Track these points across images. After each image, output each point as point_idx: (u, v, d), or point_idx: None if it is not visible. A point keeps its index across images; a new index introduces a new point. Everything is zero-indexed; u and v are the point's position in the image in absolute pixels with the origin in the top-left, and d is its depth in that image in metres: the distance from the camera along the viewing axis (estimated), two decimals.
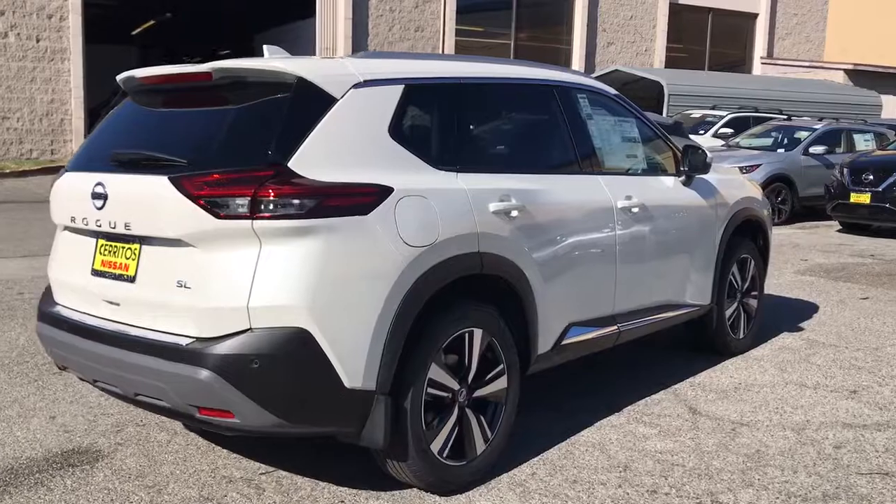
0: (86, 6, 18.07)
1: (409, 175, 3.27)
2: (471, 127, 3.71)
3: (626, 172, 4.59)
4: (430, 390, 3.27)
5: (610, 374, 5.01)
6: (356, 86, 3.23)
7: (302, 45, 20.46)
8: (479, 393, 3.48)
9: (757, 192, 5.70)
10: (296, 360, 2.91)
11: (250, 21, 23.46)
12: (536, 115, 4.21)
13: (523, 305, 3.68)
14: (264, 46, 3.76)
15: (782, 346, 5.71)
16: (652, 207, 4.51)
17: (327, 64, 3.38)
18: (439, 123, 3.56)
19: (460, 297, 3.42)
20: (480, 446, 3.47)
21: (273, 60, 3.33)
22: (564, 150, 4.20)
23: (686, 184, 4.85)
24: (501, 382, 3.58)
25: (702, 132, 16.26)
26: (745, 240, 5.55)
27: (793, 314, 6.66)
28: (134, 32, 26.91)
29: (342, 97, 3.17)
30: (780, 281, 8.06)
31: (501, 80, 3.99)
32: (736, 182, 5.52)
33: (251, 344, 2.87)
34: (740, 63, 27.22)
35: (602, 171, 4.32)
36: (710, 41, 26.68)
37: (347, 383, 2.97)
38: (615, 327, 4.32)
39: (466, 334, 3.40)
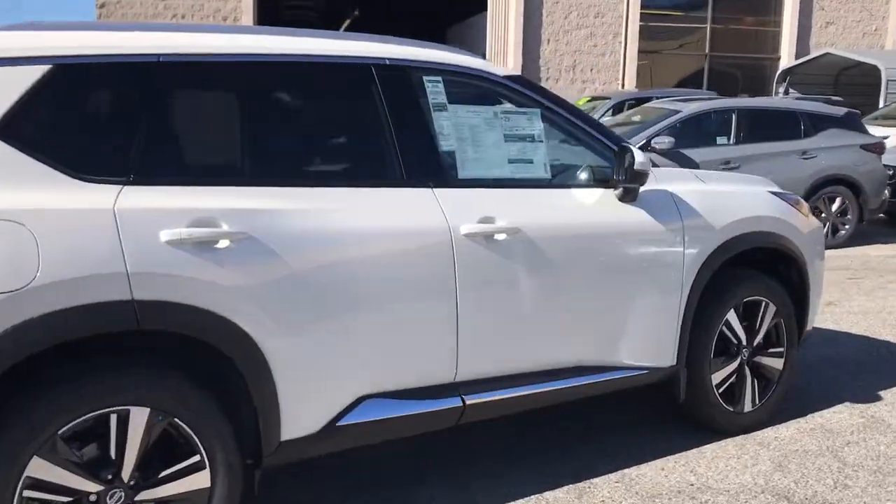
0: (261, 9, 18.53)
1: (9, 192, 2.34)
2: (163, 123, 2.65)
3: (503, 184, 3.29)
4: None
5: (532, 444, 3.73)
6: None
7: (481, 37, 19.84)
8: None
9: (786, 211, 4.08)
10: None
11: (439, 16, 23.13)
12: (318, 106, 3.07)
13: (242, 373, 2.61)
14: None
15: (819, 427, 4.06)
16: (540, 233, 3.21)
17: None
18: (106, 117, 2.59)
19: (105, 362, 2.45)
20: None
21: None
22: (369, 154, 3.05)
23: (625, 199, 3.46)
24: (196, 481, 2.57)
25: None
26: (753, 276, 3.99)
27: (864, 372, 4.86)
28: (341, 29, 27.65)
29: None
30: (845, 315, 6.08)
31: (243, 58, 2.85)
32: (737, 195, 3.96)
33: None
34: None
35: (447, 182, 3.11)
36: None
37: None
38: (456, 400, 3.09)
39: (113, 415, 2.43)
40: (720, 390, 3.88)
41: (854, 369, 4.95)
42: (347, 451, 3.07)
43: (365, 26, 25.50)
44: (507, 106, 3.38)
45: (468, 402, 3.11)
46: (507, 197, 3.23)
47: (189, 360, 2.60)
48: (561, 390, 3.38)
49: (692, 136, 9.52)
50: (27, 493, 2.32)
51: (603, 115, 12.50)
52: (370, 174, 3.02)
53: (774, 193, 4.13)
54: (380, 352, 2.91)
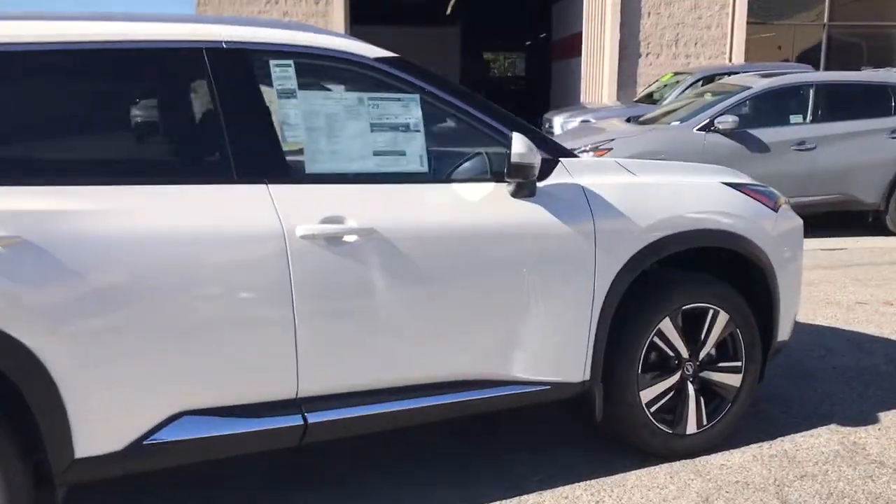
0: None
1: None
2: None
3: (363, 180, 2.95)
4: None
5: (421, 459, 3.41)
6: None
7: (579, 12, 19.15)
8: None
9: (744, 206, 3.54)
10: None
11: None
12: (128, 95, 2.84)
13: (21, 389, 2.44)
14: None
15: (781, 453, 3.53)
16: (401, 233, 2.88)
17: None
18: None
19: None
20: None
21: None
22: (188, 148, 2.81)
23: (518, 195, 3.07)
24: None
25: None
26: (696, 280, 3.50)
27: (875, 388, 4.21)
28: (448, 11, 27.39)
29: None
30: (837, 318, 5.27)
31: (31, 47, 2.57)
32: (673, 189, 3.44)
33: None
34: None
35: (290, 178, 2.82)
36: None
37: None
38: (297, 418, 2.82)
39: None
40: (652, 409, 3.42)
41: (866, 382, 4.32)
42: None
43: (470, 7, 25.22)
44: (379, 92, 3.04)
45: (311, 421, 2.83)
46: (365, 194, 2.91)
47: None
48: (437, 407, 3.04)
49: (764, 114, 8.73)
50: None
51: (682, 92, 11.70)
52: (187, 170, 2.76)
53: (734, 185, 3.60)
54: (200, 366, 2.67)
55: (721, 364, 3.55)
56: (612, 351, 3.30)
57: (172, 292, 2.60)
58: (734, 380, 3.57)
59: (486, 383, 3.11)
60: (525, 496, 3.19)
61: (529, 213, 3.08)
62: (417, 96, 3.06)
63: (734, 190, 3.57)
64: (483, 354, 3.08)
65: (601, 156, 8.04)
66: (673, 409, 3.47)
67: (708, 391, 3.54)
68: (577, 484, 3.28)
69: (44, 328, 2.43)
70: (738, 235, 3.47)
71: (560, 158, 3.24)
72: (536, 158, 2.96)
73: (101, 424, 2.56)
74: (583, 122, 11.68)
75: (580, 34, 18.10)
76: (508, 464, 3.44)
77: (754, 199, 3.60)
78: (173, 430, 2.66)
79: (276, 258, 2.71)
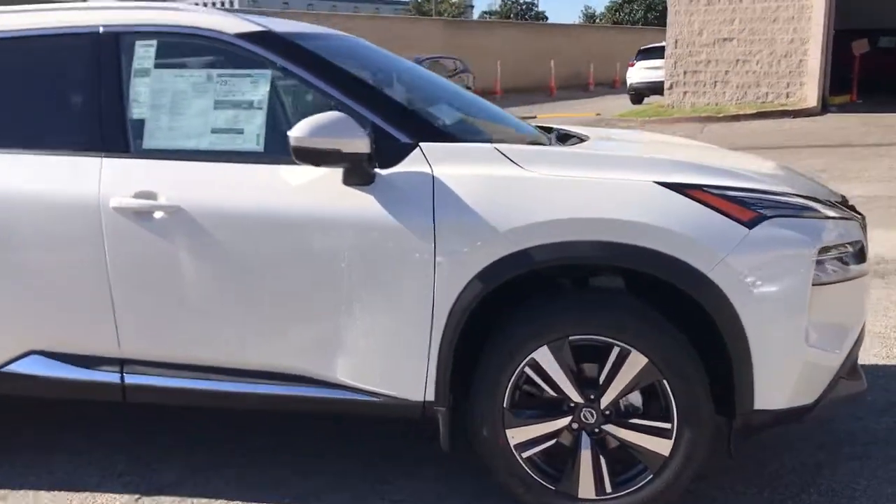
0: None
1: None
2: None
3: (194, 157, 2.91)
4: None
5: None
6: None
7: None
8: None
9: (680, 215, 2.58)
10: None
11: None
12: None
13: None
14: None
15: None
16: (205, 214, 2.83)
17: None
18: None
19: None
20: None
21: None
22: (35, 122, 3.13)
23: (350, 182, 2.74)
24: None
25: None
26: (595, 304, 2.73)
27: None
28: None
29: None
30: None
31: None
32: (565, 186, 2.64)
33: None
34: None
35: (125, 153, 2.96)
36: None
37: None
38: (116, 376, 3.01)
39: None
40: (526, 454, 2.78)
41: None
42: None
43: None
44: (235, 69, 2.98)
45: (127, 382, 3.01)
46: (185, 172, 2.91)
47: None
48: (258, 396, 2.94)
49: None
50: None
51: None
52: (43, 140, 3.09)
53: (679, 186, 2.64)
54: (45, 313, 3.04)
55: (635, 421, 2.71)
56: (469, 374, 2.78)
57: (15, 246, 3.01)
58: (659, 445, 2.69)
59: (309, 381, 2.89)
60: None
61: (359, 202, 2.74)
62: (269, 73, 2.93)
63: (675, 193, 2.63)
64: (301, 349, 2.87)
65: None
66: (560, 461, 2.78)
67: (617, 452, 2.74)
68: None
69: None
70: (661, 255, 2.57)
71: (422, 143, 2.79)
72: (329, 143, 2.63)
73: None
74: None
75: None
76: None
77: (713, 207, 2.61)
78: (22, 365, 3.09)
79: (92, 226, 2.92)
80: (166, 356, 3.00)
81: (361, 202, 2.74)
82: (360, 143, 2.67)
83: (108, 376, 3.04)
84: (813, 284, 2.63)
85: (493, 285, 2.68)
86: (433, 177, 2.73)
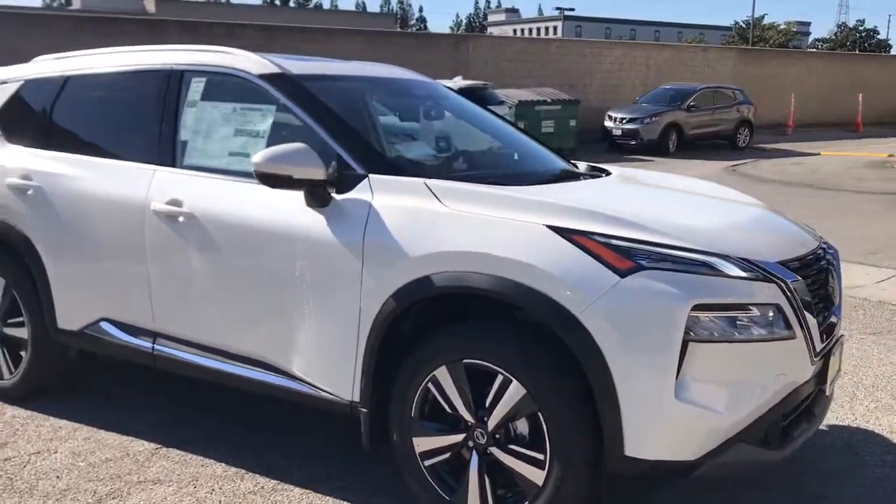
0: None
1: None
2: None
3: (215, 174, 3.56)
4: None
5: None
6: None
7: None
8: None
9: (554, 255, 2.72)
10: None
11: None
12: (122, 103, 4.07)
13: (32, 274, 4.08)
14: None
15: None
16: (209, 222, 3.46)
17: None
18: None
19: None
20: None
21: None
22: (123, 140, 3.91)
23: (311, 204, 3.20)
24: None
25: None
26: (486, 332, 2.92)
27: None
28: None
29: None
30: None
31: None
32: (461, 223, 2.90)
33: None
34: None
35: (172, 166, 3.69)
36: None
37: None
38: (149, 346, 3.74)
39: None
40: (428, 463, 3.05)
41: None
42: None
43: None
44: (255, 104, 3.58)
45: (156, 351, 3.72)
46: (206, 185, 3.55)
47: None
48: (244, 378, 3.48)
49: None
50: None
51: None
52: (118, 151, 3.92)
53: (563, 231, 2.78)
54: (110, 289, 3.87)
55: (515, 447, 2.87)
56: (386, 381, 3.11)
57: (90, 235, 3.87)
58: (534, 475, 2.84)
59: (271, 368, 3.39)
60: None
61: (314, 220, 3.20)
62: (273, 107, 3.50)
63: (560, 237, 2.76)
64: (266, 339, 3.39)
65: None
66: (459, 475, 3.01)
67: (502, 475, 2.92)
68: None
69: (41, 236, 4.02)
70: (539, 294, 2.73)
71: (371, 174, 3.18)
72: (282, 169, 3.11)
73: (67, 309, 4.01)
74: None
75: None
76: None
77: (592, 253, 2.71)
78: (98, 327, 3.94)
79: (139, 222, 3.69)
80: (177, 333, 3.68)
81: (316, 221, 3.20)
82: (314, 171, 3.13)
83: (146, 344, 3.78)
84: (692, 341, 2.63)
85: (402, 305, 3.00)
86: (370, 204, 3.11)
